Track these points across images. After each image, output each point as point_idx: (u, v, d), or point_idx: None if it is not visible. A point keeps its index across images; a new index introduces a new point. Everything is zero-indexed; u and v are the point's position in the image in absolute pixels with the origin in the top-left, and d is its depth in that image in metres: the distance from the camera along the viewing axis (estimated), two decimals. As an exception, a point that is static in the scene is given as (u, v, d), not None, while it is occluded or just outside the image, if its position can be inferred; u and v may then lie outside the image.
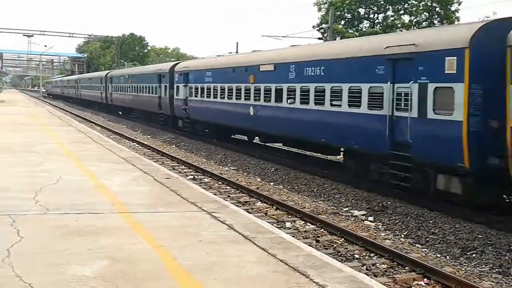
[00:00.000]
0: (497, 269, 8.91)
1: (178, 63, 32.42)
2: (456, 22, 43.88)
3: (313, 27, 51.07)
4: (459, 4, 46.58)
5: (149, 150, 23.84)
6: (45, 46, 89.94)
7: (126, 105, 43.90)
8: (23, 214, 7.85)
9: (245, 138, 25.79)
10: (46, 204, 8.50)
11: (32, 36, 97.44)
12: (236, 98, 21.97)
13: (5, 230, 6.98)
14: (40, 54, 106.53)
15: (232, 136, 26.58)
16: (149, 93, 35.32)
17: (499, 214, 11.27)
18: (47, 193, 9.39)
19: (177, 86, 29.50)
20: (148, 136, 30.93)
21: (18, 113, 35.33)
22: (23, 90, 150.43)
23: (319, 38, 45.90)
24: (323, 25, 49.03)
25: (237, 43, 53.49)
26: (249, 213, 10.19)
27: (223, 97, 23.42)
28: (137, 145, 25.97)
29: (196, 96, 26.95)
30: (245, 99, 21.04)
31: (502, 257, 9.30)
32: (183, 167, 19.38)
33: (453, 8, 46.90)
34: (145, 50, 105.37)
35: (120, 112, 47.43)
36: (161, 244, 6.66)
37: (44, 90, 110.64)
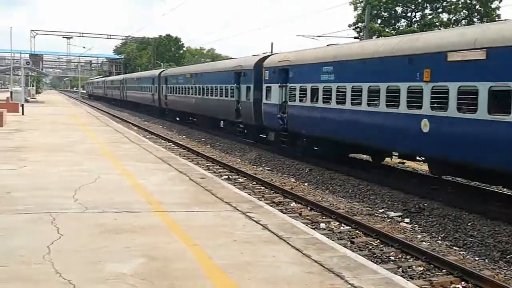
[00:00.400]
0: (538, 274, 8.67)
1: (268, 56, 24.18)
2: (496, 20, 42.81)
3: (349, 26, 50.73)
4: (500, 1, 45.47)
5: (185, 150, 24.11)
6: (84, 47, 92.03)
7: (186, 110, 36.84)
8: (63, 212, 8.05)
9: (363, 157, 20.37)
10: (85, 202, 8.70)
11: (71, 38, 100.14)
12: (389, 105, 14.38)
13: (45, 228, 7.18)
14: (79, 56, 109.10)
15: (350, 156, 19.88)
16: (221, 96, 28.47)
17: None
18: (86, 191, 9.61)
19: (268, 87, 22.17)
20: (184, 136, 31.27)
21: (58, 113, 36.23)
22: (62, 91, 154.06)
23: (355, 37, 45.51)
24: (359, 24, 48.59)
25: (271, 43, 53.58)
26: (284, 213, 10.18)
27: (358, 103, 15.87)
28: (172, 145, 26.29)
29: (302, 101, 19.28)
30: (410, 106, 13.54)
31: (544, 262, 9.05)
32: (218, 167, 19.51)
33: (493, 6, 45.79)
34: (181, 51, 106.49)
35: (177, 118, 40.68)
36: (196, 243, 6.72)
37: (84, 91, 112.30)
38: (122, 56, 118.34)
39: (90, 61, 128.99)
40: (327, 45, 20.13)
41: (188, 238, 6.94)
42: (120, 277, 5.42)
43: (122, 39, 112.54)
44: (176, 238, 6.93)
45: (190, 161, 17.09)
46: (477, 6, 46.66)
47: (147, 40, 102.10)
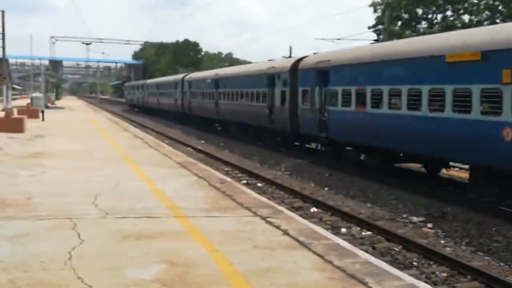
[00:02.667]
0: None
1: (304, 57, 22.41)
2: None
3: (369, 28, 50.43)
4: (524, 1, 44.77)
5: (203, 155, 24.15)
6: (103, 53, 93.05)
7: (212, 116, 34.87)
8: (83, 217, 8.07)
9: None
10: (105, 208, 8.71)
11: (90, 43, 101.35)
12: (457, 111, 12.75)
13: (66, 234, 7.19)
14: (98, 61, 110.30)
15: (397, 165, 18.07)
16: (251, 100, 26.90)
17: None
18: (106, 197, 9.64)
19: (305, 91, 20.81)
20: (202, 141, 31.35)
21: (78, 119, 36.60)
22: (81, 97, 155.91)
23: (375, 40, 45.25)
24: (379, 26, 48.29)
25: (290, 47, 53.51)
26: (304, 218, 10.08)
27: (416, 107, 14.12)
28: (191, 150, 26.36)
29: (346, 105, 17.52)
30: (493, 113, 11.78)
31: None
32: (237, 171, 19.49)
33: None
34: (199, 56, 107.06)
35: (200, 125, 38.37)
36: (217, 248, 6.67)
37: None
38: (141, 62, 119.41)
39: (109, 66, 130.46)
40: (371, 43, 21.47)
41: (209, 243, 6.90)
42: (141, 283, 5.40)
43: (141, 44, 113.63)
44: (196, 244, 6.89)
45: (209, 166, 17.10)
46: (500, 7, 46.02)
47: (166, 45, 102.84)
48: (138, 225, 7.69)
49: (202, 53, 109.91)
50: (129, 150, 17.66)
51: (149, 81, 63.37)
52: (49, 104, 53.07)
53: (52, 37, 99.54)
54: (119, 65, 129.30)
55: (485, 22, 45.55)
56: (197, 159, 20.23)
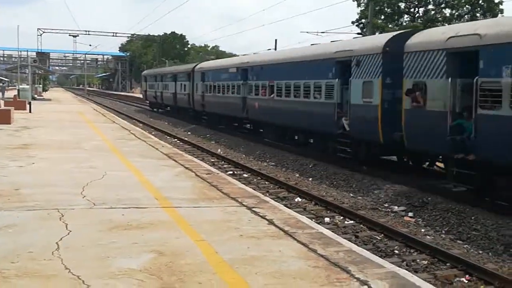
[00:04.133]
0: (542, 267, 8.72)
1: (412, 32, 15.14)
2: (500, 15, 42.60)
3: (352, 22, 50.60)
4: (503, -4, 45.26)
5: (190, 146, 24.23)
6: (90, 45, 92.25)
7: (236, 115, 27.67)
8: (71, 208, 8.16)
9: None
10: (92, 198, 8.81)
11: (78, 36, 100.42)
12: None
13: (54, 224, 7.28)
14: (85, 53, 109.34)
15: None
16: (307, 96, 19.30)
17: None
18: (93, 188, 9.72)
19: (419, 84, 13.37)
20: (189, 133, 31.38)
21: (65, 110, 36.41)
22: (68, 89, 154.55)
23: (358, 33, 45.45)
24: (363, 20, 48.49)
25: (275, 40, 53.52)
26: (289, 208, 10.25)
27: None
28: (178, 141, 26.42)
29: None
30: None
31: (548, 255, 9.10)
32: (223, 162, 19.62)
33: (496, 0, 45.55)
34: (186, 49, 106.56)
35: (222, 126, 30.83)
36: (203, 238, 6.81)
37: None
38: (128, 54, 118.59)
39: (96, 59, 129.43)
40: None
41: (196, 233, 7.04)
42: (129, 273, 5.52)
43: (128, 37, 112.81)
44: (183, 234, 7.03)
45: (195, 157, 17.21)
46: (480, 1, 46.41)
47: (152, 38, 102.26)
48: (125, 215, 7.81)
49: (189, 46, 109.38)
50: (116, 141, 17.69)
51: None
52: (36, 96, 52.61)
53: (39, 29, 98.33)
54: (106, 57, 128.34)
55: (466, 16, 45.97)
56: (184, 150, 20.33)
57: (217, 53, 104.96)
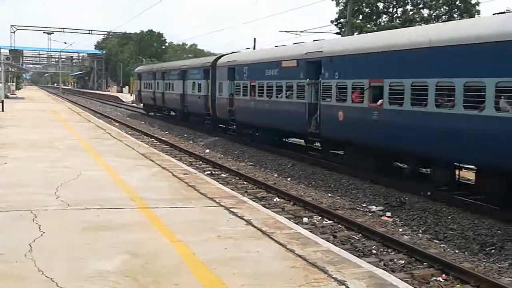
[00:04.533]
0: (517, 265, 8.83)
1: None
2: (477, 16, 43.27)
3: (331, 22, 50.85)
4: (480, -3, 46.02)
5: (167, 146, 24.03)
6: (65, 43, 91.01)
7: (292, 130, 19.95)
8: (44, 209, 7.98)
9: None
10: (67, 199, 8.63)
11: (52, 33, 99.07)
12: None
13: (27, 225, 7.11)
14: (60, 51, 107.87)
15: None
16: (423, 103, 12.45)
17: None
18: (68, 188, 9.53)
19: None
20: (166, 132, 31.13)
21: (39, 109, 35.82)
22: (43, 87, 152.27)
23: (337, 33, 45.69)
24: (341, 20, 48.77)
25: (254, 39, 53.49)
26: (267, 208, 10.22)
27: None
28: (155, 141, 26.18)
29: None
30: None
31: (522, 253, 9.21)
32: (201, 162, 19.49)
33: (473, 1, 46.28)
34: (163, 47, 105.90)
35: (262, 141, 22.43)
36: (180, 239, 6.72)
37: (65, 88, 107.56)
38: (104, 52, 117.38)
39: (71, 56, 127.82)
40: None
41: (172, 234, 6.94)
42: (103, 274, 5.41)
43: (104, 34, 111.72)
44: (159, 234, 6.92)
45: (173, 157, 17.06)
46: (457, 2, 47.10)
47: (129, 35, 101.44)
48: (100, 216, 7.66)
49: (166, 44, 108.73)
50: (91, 141, 17.43)
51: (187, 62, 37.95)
52: (9, 94, 51.69)
53: (12, 25, 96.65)
54: (81, 55, 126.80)
55: (444, 17, 46.61)
56: (161, 150, 20.14)
57: (196, 51, 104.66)
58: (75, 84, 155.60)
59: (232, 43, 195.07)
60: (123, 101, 64.13)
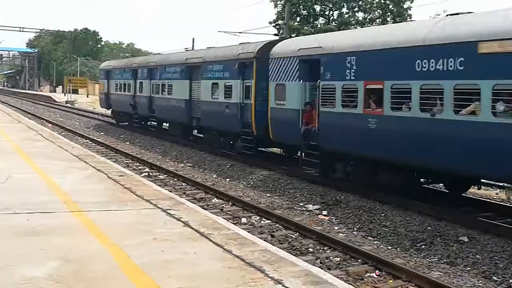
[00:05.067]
0: (445, 260, 9.23)
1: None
2: (408, 20, 44.87)
3: (270, 23, 51.28)
4: (412, 1, 47.71)
5: (103, 147, 23.45)
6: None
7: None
8: (-30, 214, 7.59)
9: None
10: (-6, 203, 8.24)
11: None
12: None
13: (-50, 232, 6.74)
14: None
15: None
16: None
17: (448, 206, 11.65)
18: (-5, 192, 9.11)
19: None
20: (101, 133, 30.38)
21: (-36, 109, 34.04)
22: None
23: (275, 35, 46.10)
24: (279, 22, 49.26)
25: (193, 39, 53.20)
26: (205, 209, 10.18)
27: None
28: (90, 142, 25.48)
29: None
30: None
31: (449, 248, 9.64)
32: (138, 164, 19.16)
33: (405, 6, 47.98)
34: (99, 45, 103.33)
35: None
36: (115, 242, 6.56)
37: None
38: (36, 50, 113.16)
39: (1, 55, 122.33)
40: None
41: (106, 238, 6.77)
42: (33, 281, 5.20)
43: (36, 32, 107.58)
44: (93, 239, 6.74)
45: (108, 159, 16.66)
46: (390, 6, 48.67)
47: (63, 34, 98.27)
48: (31, 221, 7.37)
49: (102, 43, 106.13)
50: (22, 142, 16.74)
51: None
52: None
53: None
54: (12, 53, 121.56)
55: (378, 20, 48.08)
56: (96, 151, 19.64)
57: (133, 51, 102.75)
58: (5, 83, 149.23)
59: (171, 43, 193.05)
60: (56, 101, 62.08)
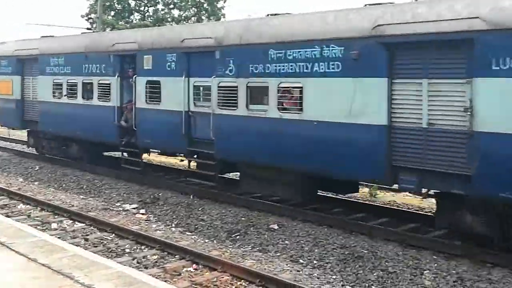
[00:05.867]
0: (258, 248, 9.71)
1: None
2: (222, 19, 46.33)
3: (82, 16, 48.91)
4: (225, 1, 49.40)
5: None
6: None
7: None
8: None
9: None
10: None
11: None
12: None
13: None
14: None
15: None
16: None
17: (260, 198, 12.27)
18: None
19: None
20: None
21: None
22: None
23: (88, 29, 44.10)
24: (92, 15, 47.26)
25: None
26: (9, 217, 9.38)
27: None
28: None
29: None
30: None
31: (261, 236, 10.18)
32: None
33: (219, 5, 49.47)
34: None
35: None
36: None
37: None
38: None
39: None
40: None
41: None
42: None
43: None
44: None
45: None
46: (205, 5, 49.72)
47: None
48: None
49: None
50: None
51: None
52: None
53: None
54: None
55: (193, 18, 48.89)
56: None
57: None
58: None
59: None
60: None
